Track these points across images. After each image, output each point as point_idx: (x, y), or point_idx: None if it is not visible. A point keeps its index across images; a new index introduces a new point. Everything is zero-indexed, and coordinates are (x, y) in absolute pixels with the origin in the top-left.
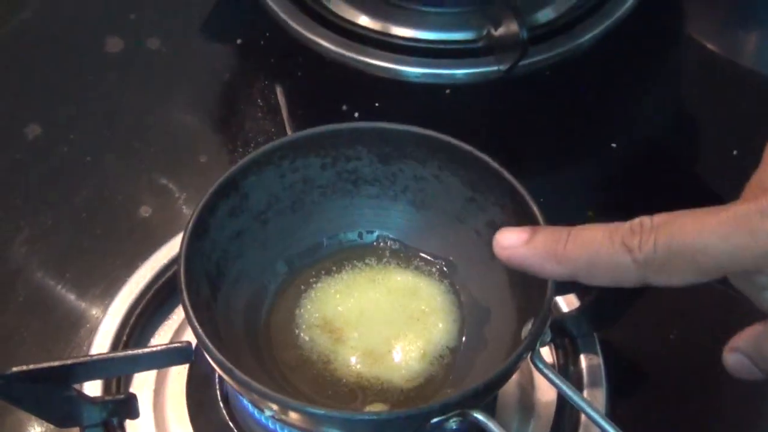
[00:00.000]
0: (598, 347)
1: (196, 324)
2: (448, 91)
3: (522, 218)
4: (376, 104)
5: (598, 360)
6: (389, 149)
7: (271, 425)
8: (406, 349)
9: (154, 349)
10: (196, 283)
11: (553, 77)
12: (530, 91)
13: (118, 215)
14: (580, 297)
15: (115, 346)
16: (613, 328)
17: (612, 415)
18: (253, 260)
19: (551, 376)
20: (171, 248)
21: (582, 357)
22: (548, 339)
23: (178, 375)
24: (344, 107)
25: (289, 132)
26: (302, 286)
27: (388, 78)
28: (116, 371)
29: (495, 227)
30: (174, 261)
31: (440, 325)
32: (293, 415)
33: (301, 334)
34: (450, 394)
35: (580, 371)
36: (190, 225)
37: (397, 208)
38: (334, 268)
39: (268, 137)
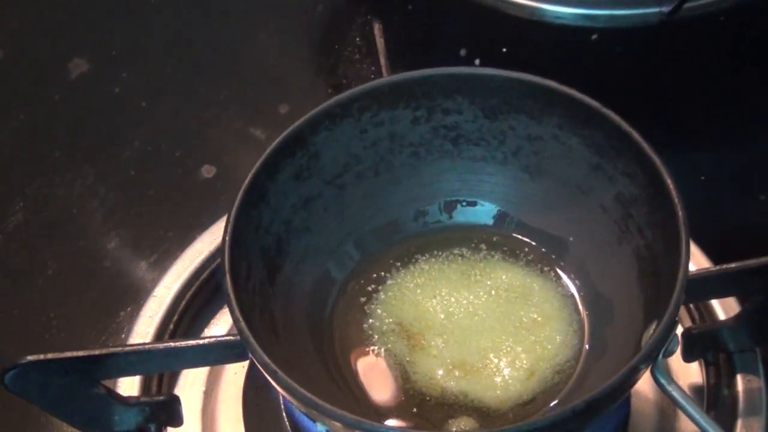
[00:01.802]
0: (761, 366)
1: (237, 312)
2: (595, 36)
3: (653, 193)
4: (504, 50)
5: (759, 383)
6: (496, 101)
7: None
8: (509, 366)
9: (202, 341)
10: (247, 261)
11: (728, 24)
12: (697, 40)
13: (174, 174)
14: (741, 302)
15: (159, 336)
16: None
17: None
18: (324, 235)
19: (676, 395)
20: None
21: (739, 378)
22: (676, 348)
23: (234, 376)
24: (463, 52)
25: None
26: (377, 276)
27: (522, 17)
28: (155, 366)
29: (624, 202)
30: None
31: (558, 339)
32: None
33: (373, 337)
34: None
35: (735, 395)
36: (243, 189)
37: (506, 174)
38: (419, 256)
39: None
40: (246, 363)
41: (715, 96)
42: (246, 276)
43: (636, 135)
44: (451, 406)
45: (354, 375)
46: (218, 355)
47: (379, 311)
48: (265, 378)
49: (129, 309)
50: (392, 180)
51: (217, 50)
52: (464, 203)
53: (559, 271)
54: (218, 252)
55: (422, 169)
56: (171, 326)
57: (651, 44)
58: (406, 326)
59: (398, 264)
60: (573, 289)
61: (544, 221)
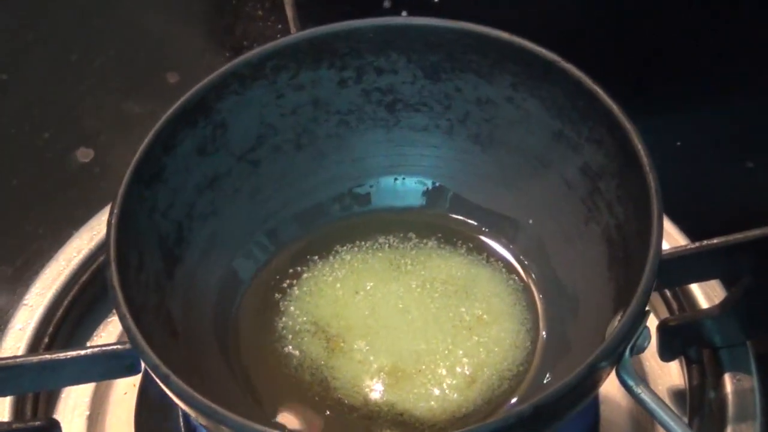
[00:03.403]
0: (753, 363)
1: (124, 307)
2: None
3: (624, 162)
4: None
5: (751, 382)
6: (439, 57)
7: None
8: (447, 373)
9: (85, 352)
10: (139, 249)
11: None
12: None
13: (43, 160)
14: (726, 286)
15: (33, 349)
16: None
17: None
18: (234, 221)
19: (645, 399)
20: None
21: (727, 377)
22: (646, 344)
23: (124, 397)
24: (386, 3)
25: None
26: (292, 270)
27: None
28: (28, 384)
29: (590, 175)
30: None
31: (507, 340)
32: None
33: (286, 338)
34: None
35: (724, 398)
36: (133, 164)
37: (452, 146)
38: (339, 246)
39: None
40: (138, 379)
41: (691, 49)
42: (137, 267)
43: (602, 94)
44: (374, 419)
45: (264, 382)
46: (105, 367)
47: (292, 309)
48: (162, 393)
49: None
50: (316, 155)
51: (88, 10)
52: (402, 181)
53: (512, 260)
54: (100, 250)
55: (352, 141)
56: (46, 339)
57: None
58: (322, 326)
59: (315, 257)
60: (528, 281)
61: (498, 201)
